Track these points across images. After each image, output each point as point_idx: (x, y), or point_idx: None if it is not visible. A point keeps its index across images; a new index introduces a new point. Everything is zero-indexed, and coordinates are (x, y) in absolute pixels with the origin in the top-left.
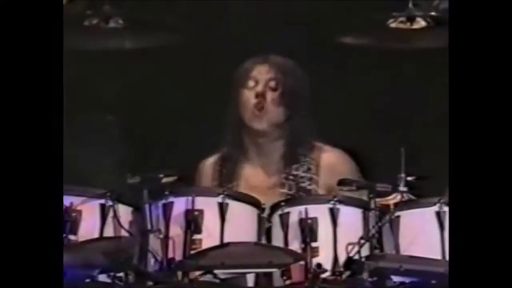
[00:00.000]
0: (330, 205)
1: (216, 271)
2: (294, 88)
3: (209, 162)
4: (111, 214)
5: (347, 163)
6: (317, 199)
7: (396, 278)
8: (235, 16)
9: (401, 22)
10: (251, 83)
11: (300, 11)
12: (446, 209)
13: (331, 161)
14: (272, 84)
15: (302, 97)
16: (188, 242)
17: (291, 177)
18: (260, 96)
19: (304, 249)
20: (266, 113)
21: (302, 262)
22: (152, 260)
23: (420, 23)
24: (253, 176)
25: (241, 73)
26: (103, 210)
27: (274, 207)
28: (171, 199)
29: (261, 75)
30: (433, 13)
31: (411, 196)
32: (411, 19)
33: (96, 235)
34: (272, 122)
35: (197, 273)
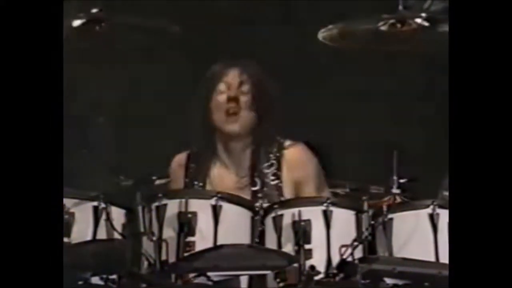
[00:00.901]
0: (323, 207)
1: (209, 273)
2: (265, 91)
3: (178, 160)
4: (104, 216)
5: (308, 157)
6: (311, 202)
7: (389, 280)
8: (229, 16)
9: (392, 24)
10: (222, 87)
11: (291, 13)
12: (439, 211)
13: (293, 155)
14: (245, 88)
15: (272, 99)
16: (182, 244)
17: (256, 173)
18: (233, 100)
19: (297, 251)
20: (239, 117)
21: (295, 265)
22: (145, 263)
23: (412, 25)
24: (223, 177)
25: (212, 77)
26: (96, 213)
27: (268, 210)
28: (164, 201)
29: (233, 79)
30: (423, 15)
31: (404, 199)
32: (402, 21)
33: (89, 237)
34: (245, 126)
35: (191, 275)
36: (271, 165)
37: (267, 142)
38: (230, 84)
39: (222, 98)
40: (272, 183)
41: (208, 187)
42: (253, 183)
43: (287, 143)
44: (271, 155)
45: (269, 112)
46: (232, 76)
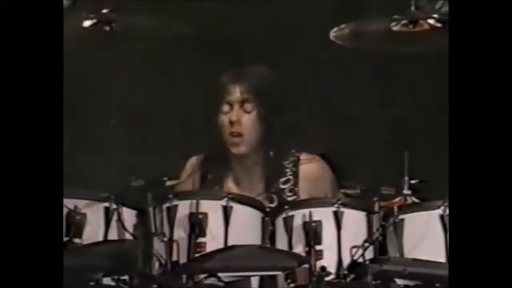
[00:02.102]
0: (334, 208)
1: (220, 274)
2: (271, 102)
3: (193, 162)
4: (115, 217)
5: (325, 172)
6: (321, 202)
7: (400, 281)
8: (237, 18)
9: (404, 25)
10: (225, 108)
11: (300, 14)
12: None
13: (310, 171)
14: (248, 107)
15: (281, 107)
16: (192, 245)
17: (272, 189)
18: (236, 123)
19: (308, 252)
20: (244, 139)
21: (306, 265)
22: (156, 263)
23: (423, 26)
24: (237, 190)
25: (217, 92)
26: (108, 213)
27: (278, 210)
28: (175, 202)
29: (235, 98)
30: (435, 16)
31: (415, 199)
32: (414, 22)
33: (100, 238)
34: (251, 145)
35: (201, 276)
36: (288, 180)
37: (281, 153)
38: (232, 104)
39: (225, 119)
40: (289, 199)
41: None
42: (271, 200)
43: (303, 156)
44: (287, 170)
45: (279, 120)
46: (234, 94)
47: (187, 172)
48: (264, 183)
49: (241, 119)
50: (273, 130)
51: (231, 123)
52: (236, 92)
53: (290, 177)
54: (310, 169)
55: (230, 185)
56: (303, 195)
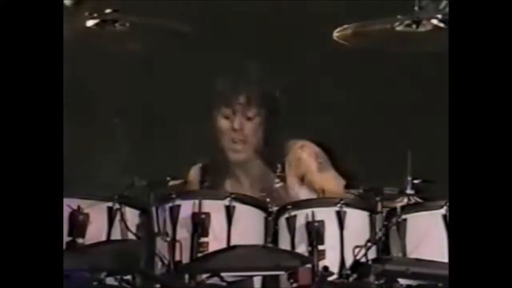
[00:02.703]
0: (337, 208)
1: (223, 274)
2: (272, 104)
3: (193, 173)
4: (118, 217)
5: (309, 152)
6: (324, 202)
7: (402, 281)
8: (240, 17)
9: (407, 25)
10: (227, 112)
11: (305, 14)
12: None
13: (294, 154)
14: (250, 113)
15: (279, 107)
16: (195, 245)
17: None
18: (238, 130)
19: (311, 252)
20: (245, 145)
21: (309, 265)
22: (159, 263)
23: (427, 26)
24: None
25: (216, 98)
26: (111, 213)
27: (281, 210)
28: (178, 202)
29: (236, 104)
30: (439, 16)
31: (418, 199)
32: (417, 22)
33: (103, 238)
34: (252, 150)
35: (204, 276)
36: (277, 168)
37: (277, 148)
38: (234, 110)
39: (226, 124)
40: (277, 185)
41: None
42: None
43: (292, 142)
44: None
45: (278, 120)
46: (235, 100)
47: (189, 183)
48: (263, 178)
49: (244, 126)
50: (273, 132)
51: (234, 130)
52: (238, 98)
53: (278, 164)
54: (295, 152)
55: (230, 185)
56: (290, 179)
